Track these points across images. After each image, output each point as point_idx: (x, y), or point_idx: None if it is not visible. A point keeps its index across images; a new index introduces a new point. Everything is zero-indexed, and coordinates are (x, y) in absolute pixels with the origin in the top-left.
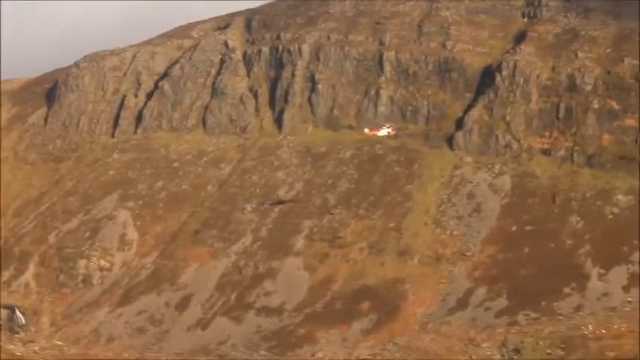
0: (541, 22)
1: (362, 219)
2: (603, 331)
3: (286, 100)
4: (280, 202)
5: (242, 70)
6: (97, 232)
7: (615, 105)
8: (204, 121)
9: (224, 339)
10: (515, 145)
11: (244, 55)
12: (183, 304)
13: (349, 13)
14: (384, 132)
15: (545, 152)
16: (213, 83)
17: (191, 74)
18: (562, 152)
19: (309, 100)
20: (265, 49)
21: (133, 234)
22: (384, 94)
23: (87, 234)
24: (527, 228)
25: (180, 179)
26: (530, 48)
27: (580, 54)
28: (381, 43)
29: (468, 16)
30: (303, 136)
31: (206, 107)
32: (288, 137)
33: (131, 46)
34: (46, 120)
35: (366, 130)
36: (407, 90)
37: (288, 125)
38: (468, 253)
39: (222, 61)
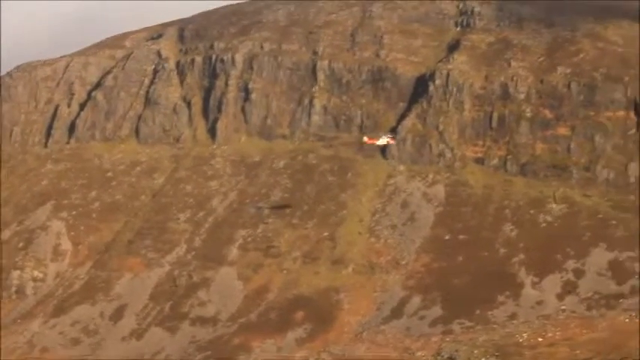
0: (474, 31)
1: (296, 228)
2: (539, 339)
3: (220, 110)
4: (275, 206)
5: (175, 80)
6: (31, 243)
7: (548, 114)
8: (137, 131)
9: (159, 349)
10: (448, 154)
11: (177, 64)
12: (117, 315)
13: (282, 23)
14: (383, 140)
15: (479, 161)
16: (147, 93)
17: (124, 84)
18: (495, 161)
19: (243, 109)
20: (198, 59)
21: (66, 244)
22: (318, 104)
23: (20, 244)
24: (461, 237)
25: (114, 189)
26: (463, 57)
27: (513, 63)
28: (315, 53)
29: (401, 25)
30: (237, 146)
31: (139, 117)
32: (222, 147)
33: (64, 56)
34: None
35: (365, 139)
36: (340, 99)
37: (222, 135)
38: (403, 262)
39: (155, 71)
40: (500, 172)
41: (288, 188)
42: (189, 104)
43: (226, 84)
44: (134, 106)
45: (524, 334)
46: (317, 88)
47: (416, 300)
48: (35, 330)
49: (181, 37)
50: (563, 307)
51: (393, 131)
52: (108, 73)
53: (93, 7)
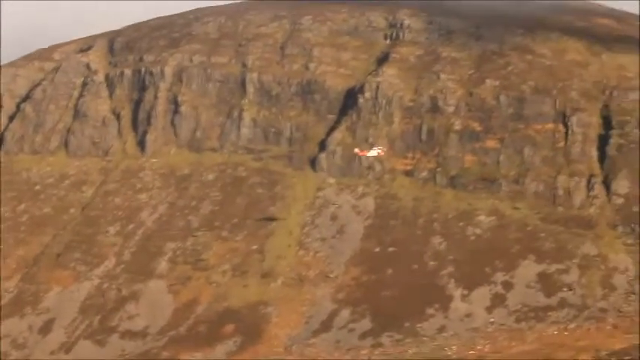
0: (403, 44)
1: (225, 241)
2: (469, 352)
3: (149, 123)
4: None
5: (104, 92)
6: None
7: (477, 126)
8: (66, 144)
9: None
10: (378, 167)
11: (107, 77)
12: (46, 328)
13: (212, 35)
14: (374, 152)
15: (408, 173)
16: (76, 105)
17: (53, 96)
18: (424, 173)
19: (172, 122)
20: (128, 71)
21: None
22: (247, 116)
23: None
24: (391, 249)
25: (43, 202)
26: (392, 70)
27: (442, 75)
28: (244, 65)
29: (330, 38)
30: (166, 159)
31: (68, 130)
32: (151, 160)
33: None
34: None
35: (357, 150)
36: (270, 112)
37: (151, 147)
38: (332, 275)
39: (84, 84)
40: (429, 184)
41: (217, 201)
42: (118, 117)
43: (156, 96)
44: (63, 119)
45: (454, 347)
46: (246, 100)
47: (345, 313)
48: None
49: (111, 50)
50: (492, 320)
51: (322, 144)
52: (37, 85)
53: (23, 18)
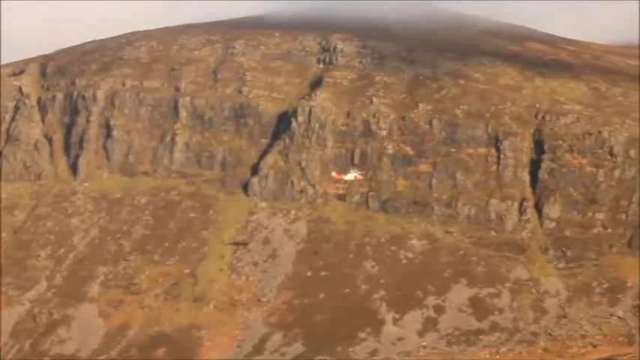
0: (336, 68)
1: (157, 265)
2: None
3: (81, 147)
4: (236, 243)
5: (37, 116)
6: None
7: (410, 150)
8: None
9: None
10: (310, 191)
11: (39, 101)
12: None
13: (144, 60)
14: (350, 176)
15: (341, 198)
16: (8, 129)
17: None
18: (357, 197)
19: (105, 146)
20: (60, 96)
21: None
22: (180, 140)
23: None
24: (323, 273)
25: None
26: (325, 94)
27: (375, 99)
28: (177, 89)
29: (263, 62)
30: (99, 183)
31: (0, 153)
32: (84, 184)
33: None
34: None
35: (333, 174)
36: (203, 136)
37: (84, 171)
38: (264, 299)
39: (16, 107)
40: (361, 208)
41: (149, 225)
42: (50, 141)
43: (88, 120)
44: None
45: None
46: (179, 124)
47: (277, 337)
48: None
49: (43, 73)
50: (424, 344)
51: (255, 168)
52: None
53: None
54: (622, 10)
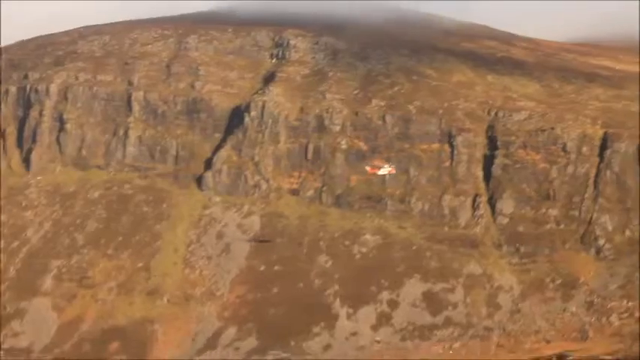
0: (289, 64)
1: (111, 259)
2: None
3: (34, 140)
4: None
5: None
6: None
7: (363, 146)
8: None
9: None
10: (264, 186)
11: None
12: None
13: (98, 54)
14: (384, 170)
15: (294, 192)
16: None
17: None
18: (310, 192)
19: (58, 139)
20: (13, 89)
21: None
22: (133, 134)
23: None
24: (276, 268)
25: None
26: (278, 89)
27: (328, 95)
28: (130, 84)
29: (216, 57)
30: (52, 176)
31: None
32: (37, 177)
33: None
34: None
35: (368, 169)
36: (156, 130)
37: (37, 165)
38: (218, 293)
39: None
40: (315, 203)
41: (103, 219)
42: (3, 134)
43: (41, 114)
44: None
45: None
46: (132, 118)
47: (231, 331)
48: None
49: None
50: (377, 339)
51: (208, 162)
52: None
53: None
54: (575, 8)
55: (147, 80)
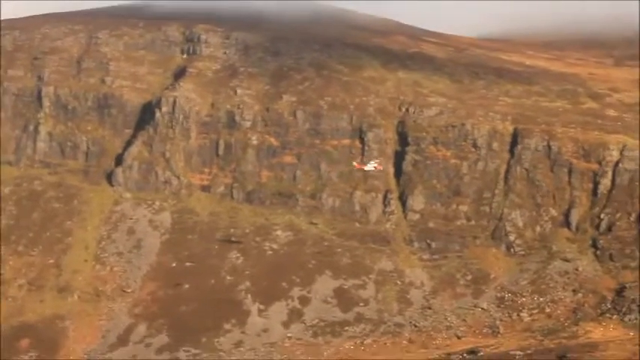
0: (200, 59)
1: (21, 255)
2: None
3: None
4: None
5: None
6: None
7: (274, 141)
8: None
9: None
10: (175, 182)
11: None
12: None
13: (8, 48)
14: (370, 166)
15: (205, 188)
16: None
17: None
18: (222, 188)
19: None
20: None
21: None
22: (43, 130)
23: None
24: (188, 264)
25: None
26: (189, 84)
27: (239, 90)
28: (40, 79)
29: (127, 52)
30: None
31: None
32: None
33: None
34: None
35: (355, 164)
36: (66, 126)
37: None
38: (129, 290)
39: None
40: (226, 199)
41: (13, 215)
42: None
43: None
44: None
45: None
46: (42, 114)
47: (142, 328)
48: None
49: None
50: (289, 335)
51: (119, 158)
52: None
53: None
54: (486, 5)
55: (57, 76)
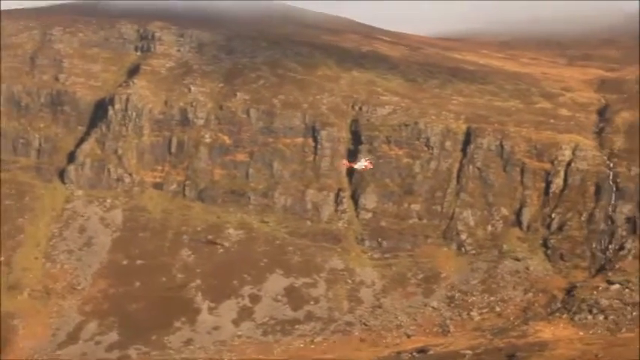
0: (154, 56)
1: None
2: None
3: None
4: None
5: None
6: None
7: (227, 139)
8: None
9: None
10: (127, 179)
11: None
12: None
13: None
14: (361, 164)
15: (157, 186)
16: None
17: None
18: (174, 186)
19: None
20: None
21: None
22: None
23: None
24: (139, 262)
25: None
26: (143, 82)
27: (193, 88)
28: None
29: (81, 49)
30: None
31: None
32: None
33: None
34: None
35: (344, 162)
36: (19, 122)
37: None
38: (79, 287)
39: None
40: (178, 197)
41: None
42: None
43: None
44: None
45: None
46: None
47: (92, 325)
48: None
49: None
50: (239, 333)
51: (72, 155)
52: None
53: None
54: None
55: (10, 72)
